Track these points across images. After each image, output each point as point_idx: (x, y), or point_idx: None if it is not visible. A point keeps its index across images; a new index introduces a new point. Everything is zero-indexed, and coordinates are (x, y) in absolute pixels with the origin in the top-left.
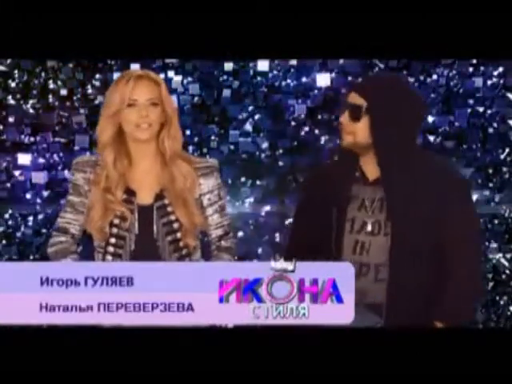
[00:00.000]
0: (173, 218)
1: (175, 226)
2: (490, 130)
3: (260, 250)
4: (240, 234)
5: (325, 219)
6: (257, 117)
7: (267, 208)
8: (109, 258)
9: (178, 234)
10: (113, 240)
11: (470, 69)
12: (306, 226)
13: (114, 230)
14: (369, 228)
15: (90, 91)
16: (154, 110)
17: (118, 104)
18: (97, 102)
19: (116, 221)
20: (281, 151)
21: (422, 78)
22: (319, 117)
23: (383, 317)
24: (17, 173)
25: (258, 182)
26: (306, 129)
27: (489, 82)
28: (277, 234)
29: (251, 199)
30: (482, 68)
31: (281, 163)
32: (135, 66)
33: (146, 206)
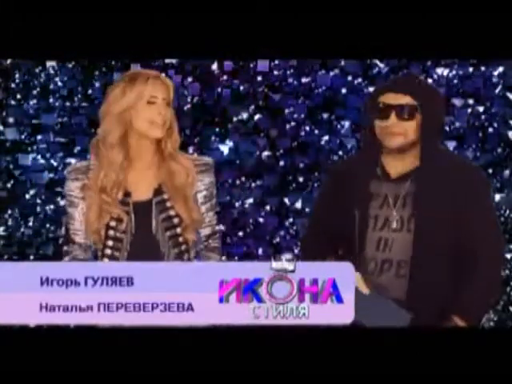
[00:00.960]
0: (172, 212)
1: (175, 220)
2: (490, 130)
3: (260, 250)
4: (240, 233)
5: (347, 216)
6: (257, 117)
7: (267, 208)
8: (106, 260)
9: (178, 229)
10: (110, 242)
11: (470, 69)
12: (328, 222)
13: (111, 233)
14: (393, 225)
15: (90, 91)
16: (168, 109)
17: (134, 100)
18: (97, 102)
19: (112, 223)
20: (281, 151)
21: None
22: (319, 117)
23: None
24: (17, 173)
25: (258, 182)
26: (307, 129)
27: (489, 82)
28: (277, 234)
29: (251, 199)
30: (482, 68)
31: (281, 163)
32: (135, 67)
33: (144, 201)
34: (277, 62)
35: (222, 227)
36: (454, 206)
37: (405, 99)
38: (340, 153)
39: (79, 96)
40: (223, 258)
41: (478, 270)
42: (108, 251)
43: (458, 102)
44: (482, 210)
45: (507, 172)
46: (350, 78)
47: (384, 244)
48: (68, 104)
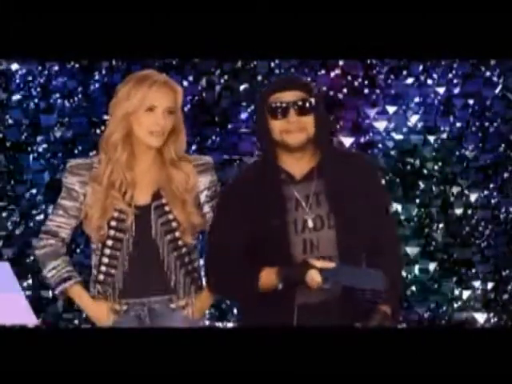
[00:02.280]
0: (171, 217)
1: (173, 224)
2: (490, 130)
3: None
4: None
5: (266, 227)
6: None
7: None
8: (105, 260)
9: (177, 233)
10: (110, 242)
11: (470, 69)
12: (246, 239)
13: (111, 232)
14: (310, 224)
15: (90, 91)
16: (169, 117)
17: (136, 105)
18: (97, 102)
19: (113, 223)
20: None
21: (422, 78)
22: None
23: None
24: (17, 172)
25: None
26: None
27: (489, 82)
28: None
29: None
30: (482, 68)
31: None
32: (135, 67)
33: (143, 205)
34: (277, 61)
35: None
36: (361, 196)
37: (300, 95)
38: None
39: (79, 96)
40: None
41: (388, 259)
42: (107, 251)
43: (458, 102)
44: (379, 201)
45: (507, 172)
46: (349, 77)
47: (310, 245)
48: (68, 104)
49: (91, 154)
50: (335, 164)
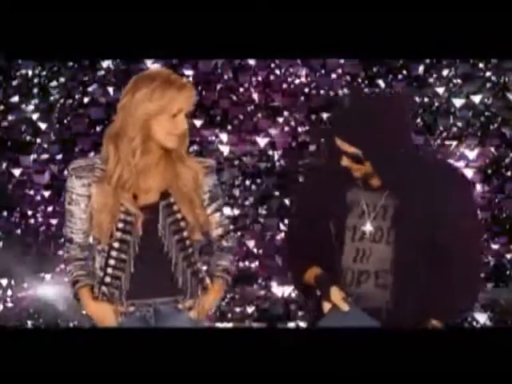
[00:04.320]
0: (179, 216)
1: (182, 224)
2: (490, 130)
3: (260, 251)
4: (239, 233)
5: (325, 228)
6: (256, 118)
7: (267, 208)
8: (112, 262)
9: (185, 233)
10: (116, 244)
11: (470, 69)
12: (306, 237)
13: (118, 234)
14: (370, 235)
15: (90, 91)
16: (185, 120)
17: (163, 108)
18: (96, 102)
19: (120, 224)
20: (280, 152)
21: (422, 78)
22: (319, 117)
23: (383, 320)
24: (17, 173)
25: (257, 182)
26: (307, 128)
27: (488, 82)
28: (276, 234)
29: (251, 199)
30: (481, 68)
31: (282, 163)
32: (135, 67)
33: (151, 205)
34: (277, 61)
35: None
36: (433, 210)
37: (351, 148)
38: None
39: (79, 96)
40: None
41: (454, 271)
42: (114, 253)
43: (458, 102)
44: (462, 209)
45: (507, 172)
46: (349, 77)
47: (362, 255)
48: (68, 104)
49: (91, 153)
50: (414, 178)
